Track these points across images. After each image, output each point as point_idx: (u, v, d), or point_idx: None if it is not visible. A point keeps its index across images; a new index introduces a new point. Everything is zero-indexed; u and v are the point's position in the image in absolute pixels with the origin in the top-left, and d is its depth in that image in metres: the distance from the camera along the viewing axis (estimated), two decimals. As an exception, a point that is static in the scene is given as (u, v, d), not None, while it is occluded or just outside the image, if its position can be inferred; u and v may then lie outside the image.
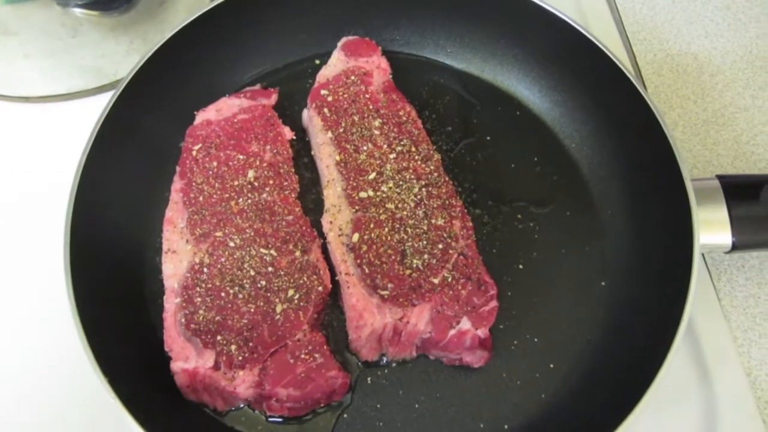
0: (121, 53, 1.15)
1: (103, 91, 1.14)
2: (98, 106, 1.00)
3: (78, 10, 1.10)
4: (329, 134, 1.01)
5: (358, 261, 0.89)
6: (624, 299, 0.94)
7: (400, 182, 0.96)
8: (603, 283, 0.97)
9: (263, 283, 0.88)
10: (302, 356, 0.84)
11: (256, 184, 0.96)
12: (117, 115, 0.96)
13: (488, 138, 1.09)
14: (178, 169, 0.99)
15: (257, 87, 1.10)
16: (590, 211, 1.03)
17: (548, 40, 1.08)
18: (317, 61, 1.15)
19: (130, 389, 0.80)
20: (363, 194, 0.95)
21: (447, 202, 0.95)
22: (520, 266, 0.98)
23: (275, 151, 0.99)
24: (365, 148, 1.00)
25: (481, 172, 1.06)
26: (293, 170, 0.99)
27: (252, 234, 0.91)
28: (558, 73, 1.10)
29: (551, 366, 0.91)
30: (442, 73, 1.14)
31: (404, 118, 1.03)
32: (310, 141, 1.07)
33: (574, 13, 1.23)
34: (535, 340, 0.93)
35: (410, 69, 1.14)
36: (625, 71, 1.00)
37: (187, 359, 0.83)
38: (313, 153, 1.05)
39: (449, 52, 1.15)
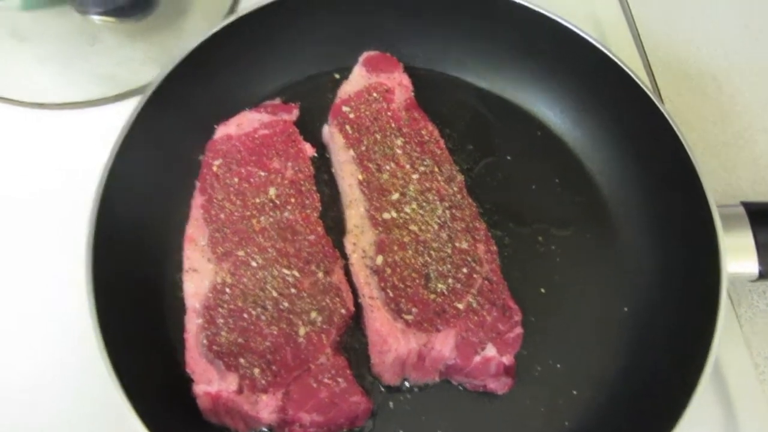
0: (137, 61, 1.14)
1: (119, 99, 1.12)
2: (113, 114, 0.99)
3: (96, 18, 1.08)
4: (351, 152, 1.00)
5: (382, 284, 0.88)
6: (647, 326, 0.94)
7: (424, 203, 0.96)
8: (625, 309, 0.96)
9: (286, 304, 0.87)
10: (325, 380, 0.83)
11: (277, 201, 0.94)
12: (138, 127, 0.95)
13: (508, 158, 1.08)
14: (198, 184, 0.97)
15: (277, 101, 1.08)
16: (612, 234, 1.02)
17: (569, 59, 1.08)
18: (337, 75, 1.14)
19: (150, 408, 0.78)
20: (386, 215, 0.94)
21: (471, 224, 0.94)
22: (542, 290, 0.98)
23: (296, 168, 0.98)
24: (388, 167, 0.99)
25: (501, 193, 1.05)
26: (315, 188, 0.98)
27: (274, 254, 0.90)
28: (579, 93, 1.10)
29: (574, 393, 0.91)
30: (463, 90, 1.13)
31: (426, 138, 1.02)
32: (330, 157, 1.05)
33: (592, 29, 1.22)
34: (558, 365, 0.92)
35: (431, 86, 1.13)
36: (648, 93, 1.00)
37: (210, 382, 0.82)
38: (333, 170, 1.04)
39: (470, 70, 1.14)
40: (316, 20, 1.11)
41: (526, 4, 1.06)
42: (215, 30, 1.01)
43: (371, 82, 1.07)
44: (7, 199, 1.05)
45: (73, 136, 1.10)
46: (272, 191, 0.95)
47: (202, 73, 1.04)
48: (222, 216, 0.93)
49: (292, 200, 0.95)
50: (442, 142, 1.03)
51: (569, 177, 1.07)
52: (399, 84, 1.08)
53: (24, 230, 1.02)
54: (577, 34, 1.05)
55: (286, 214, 0.94)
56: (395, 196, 0.96)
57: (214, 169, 0.97)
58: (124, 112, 0.95)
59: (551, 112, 1.11)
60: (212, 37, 1.01)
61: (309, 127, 1.08)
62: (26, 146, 1.09)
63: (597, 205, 1.05)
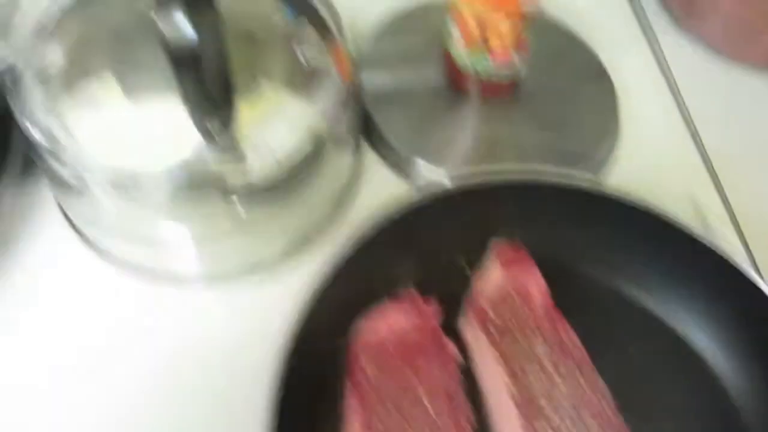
0: (275, 246, 1.18)
1: (257, 280, 1.17)
2: (257, 291, 1.11)
3: (235, 197, 1.12)
4: (496, 353, 1.02)
5: (543, 504, 0.89)
6: None
7: (571, 413, 0.97)
8: None
9: None
10: None
11: (431, 410, 0.96)
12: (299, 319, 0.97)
13: (635, 356, 1.09)
14: (349, 384, 0.99)
15: (412, 290, 1.10)
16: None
17: (690, 262, 1.11)
18: (463, 263, 1.16)
19: None
20: (537, 425, 0.95)
21: (618, 437, 0.95)
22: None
23: (445, 372, 1.00)
24: (533, 371, 1.00)
25: (631, 394, 1.04)
26: (464, 393, 0.99)
27: (434, 469, 0.91)
28: (718, 311, 1.12)
29: None
30: (594, 288, 1.16)
31: (566, 341, 1.05)
32: (468, 354, 1.07)
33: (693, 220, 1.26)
34: None
35: (564, 283, 1.13)
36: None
37: None
38: (473, 369, 1.05)
39: (602, 270, 1.17)
40: (447, 215, 1.14)
41: (633, 202, 1.11)
42: (366, 232, 1.06)
43: (507, 277, 1.10)
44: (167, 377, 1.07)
45: (219, 317, 1.14)
46: (425, 399, 0.96)
47: (344, 264, 1.07)
48: (379, 426, 0.93)
49: (445, 408, 0.96)
50: (579, 343, 1.05)
51: (696, 379, 1.09)
52: (535, 281, 1.11)
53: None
54: (692, 236, 1.09)
55: (440, 424, 0.95)
56: (544, 404, 0.97)
57: (365, 368, 0.99)
58: (267, 291, 1.10)
59: (687, 323, 1.13)
60: (360, 237, 1.05)
61: (444, 321, 1.09)
62: (172, 322, 1.13)
63: (725, 409, 1.06)
